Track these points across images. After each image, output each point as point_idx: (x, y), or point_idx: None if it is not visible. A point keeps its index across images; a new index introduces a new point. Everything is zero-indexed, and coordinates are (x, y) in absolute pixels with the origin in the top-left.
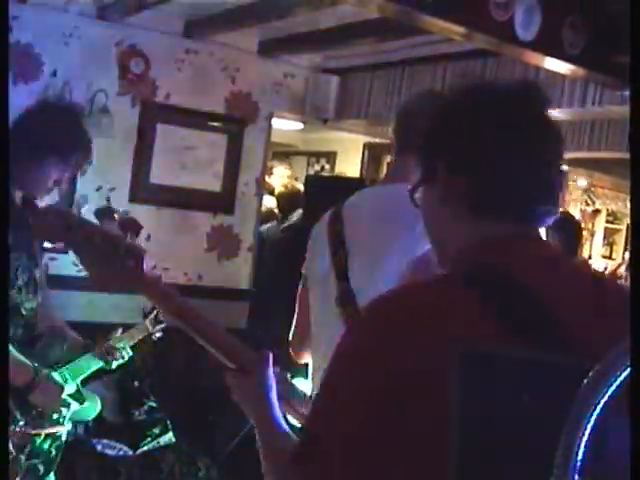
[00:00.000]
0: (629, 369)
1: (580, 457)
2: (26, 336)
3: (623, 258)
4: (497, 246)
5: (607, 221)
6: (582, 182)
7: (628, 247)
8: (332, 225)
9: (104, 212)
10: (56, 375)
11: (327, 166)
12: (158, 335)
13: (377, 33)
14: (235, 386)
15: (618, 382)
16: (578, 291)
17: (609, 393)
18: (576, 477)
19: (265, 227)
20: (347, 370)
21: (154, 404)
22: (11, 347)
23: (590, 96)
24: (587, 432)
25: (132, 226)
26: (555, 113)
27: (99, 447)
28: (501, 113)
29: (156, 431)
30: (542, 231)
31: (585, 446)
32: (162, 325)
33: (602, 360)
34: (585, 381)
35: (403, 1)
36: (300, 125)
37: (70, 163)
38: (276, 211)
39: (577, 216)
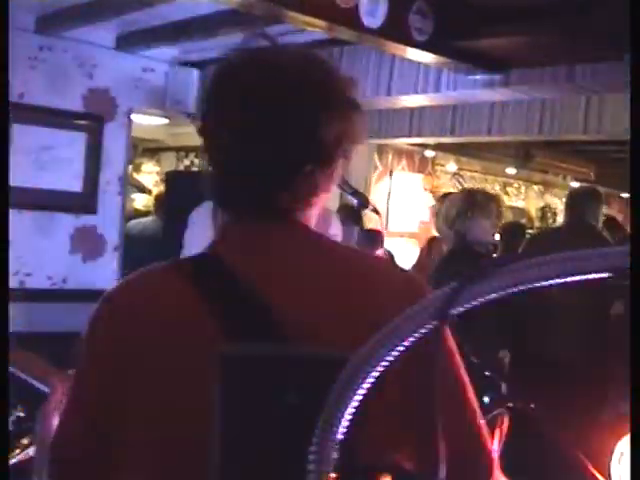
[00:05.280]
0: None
1: (335, 450)
2: None
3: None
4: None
5: None
6: (452, 166)
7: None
8: None
9: None
10: None
11: (196, 161)
12: None
13: (235, 24)
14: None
15: (375, 375)
16: (306, 281)
17: (365, 387)
18: (331, 473)
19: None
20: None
21: (22, 414)
22: None
23: (444, 81)
24: (342, 426)
25: None
26: (410, 98)
27: None
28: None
29: (25, 442)
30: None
31: (340, 440)
32: None
33: (357, 354)
34: (340, 376)
35: None
36: (165, 120)
37: None
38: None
39: None
